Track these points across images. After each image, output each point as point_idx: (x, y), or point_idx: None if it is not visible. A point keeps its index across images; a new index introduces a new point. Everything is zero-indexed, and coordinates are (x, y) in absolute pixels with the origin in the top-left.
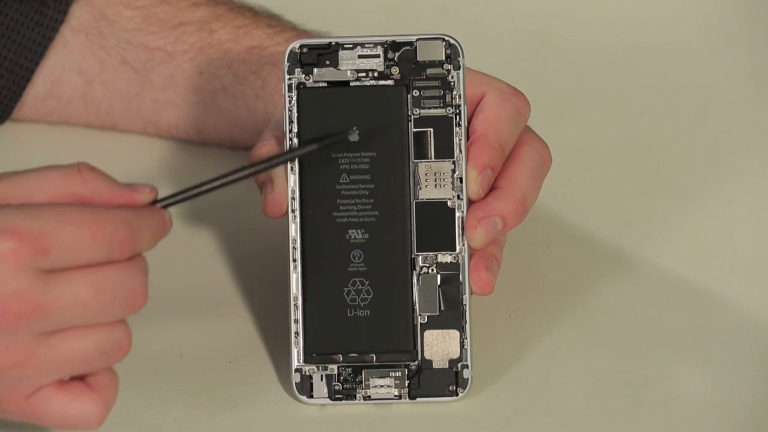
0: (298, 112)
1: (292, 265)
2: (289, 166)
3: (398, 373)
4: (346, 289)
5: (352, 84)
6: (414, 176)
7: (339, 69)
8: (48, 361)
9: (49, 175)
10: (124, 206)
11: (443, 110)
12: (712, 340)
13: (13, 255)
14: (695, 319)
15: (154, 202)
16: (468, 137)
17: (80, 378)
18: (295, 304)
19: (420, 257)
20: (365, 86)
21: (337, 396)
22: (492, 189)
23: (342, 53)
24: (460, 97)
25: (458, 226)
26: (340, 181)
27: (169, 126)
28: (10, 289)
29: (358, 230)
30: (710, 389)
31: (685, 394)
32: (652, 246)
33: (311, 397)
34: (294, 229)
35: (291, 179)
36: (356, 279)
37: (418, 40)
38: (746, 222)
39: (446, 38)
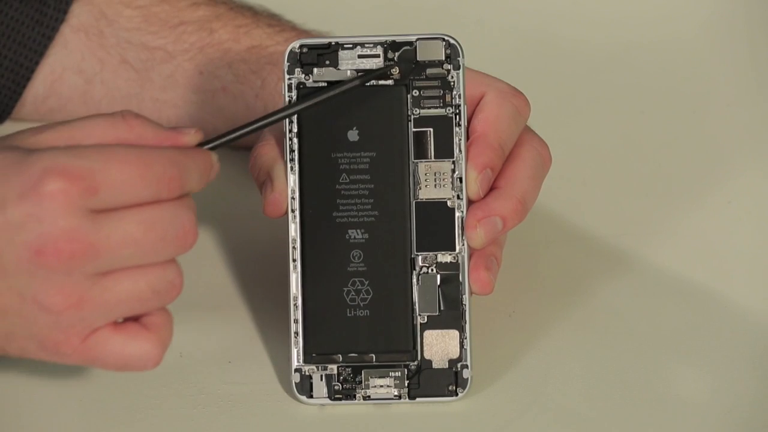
0: (298, 112)
1: (292, 265)
2: (289, 166)
3: (398, 373)
4: (345, 289)
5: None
6: (414, 176)
7: (339, 69)
8: (103, 302)
9: (95, 123)
10: (172, 147)
11: (443, 110)
12: (712, 340)
13: (63, 194)
14: (695, 319)
15: (201, 144)
16: (468, 137)
17: (134, 319)
18: (295, 304)
19: (420, 257)
20: (365, 86)
21: (336, 396)
22: (492, 189)
23: (342, 53)
24: (460, 97)
25: (458, 226)
26: (340, 181)
27: (168, 125)
28: (61, 229)
29: (358, 230)
30: (710, 389)
31: (685, 394)
32: (651, 246)
33: (311, 397)
34: (294, 229)
35: (291, 179)
36: (356, 279)
37: (418, 40)
38: (746, 222)
39: (446, 38)
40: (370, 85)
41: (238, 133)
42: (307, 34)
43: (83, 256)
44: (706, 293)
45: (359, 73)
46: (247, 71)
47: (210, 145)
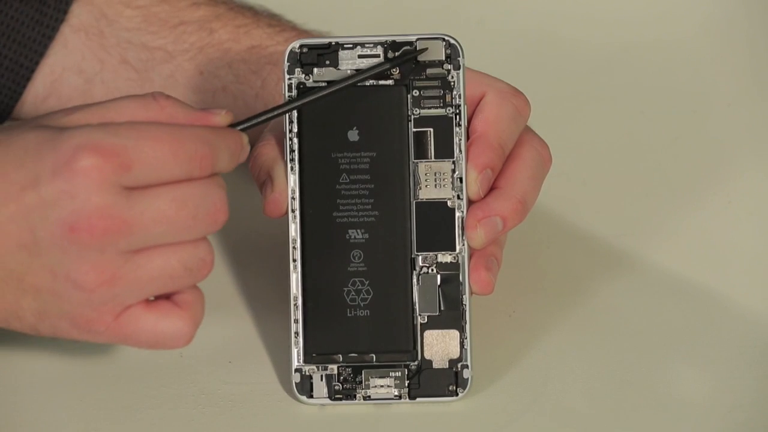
0: (298, 111)
1: (292, 265)
2: (289, 166)
3: (398, 373)
4: (346, 289)
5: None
6: (414, 176)
7: (339, 69)
8: (135, 279)
9: (127, 103)
10: (203, 126)
11: (443, 110)
12: (712, 340)
13: (96, 171)
14: (695, 319)
15: (233, 125)
16: (468, 137)
17: (166, 297)
18: (295, 304)
19: (420, 257)
20: (365, 86)
21: (336, 396)
22: (492, 189)
23: (342, 53)
24: (460, 97)
25: (458, 226)
26: (340, 181)
27: None
28: (95, 205)
29: (358, 230)
30: (710, 389)
31: (685, 394)
32: (651, 246)
33: (311, 397)
34: (294, 229)
35: (291, 179)
36: (356, 279)
37: (418, 40)
38: (746, 222)
39: (446, 38)
40: (370, 86)
41: (269, 115)
42: (307, 34)
43: (117, 233)
44: (706, 293)
45: (383, 62)
46: (247, 71)
47: (241, 126)
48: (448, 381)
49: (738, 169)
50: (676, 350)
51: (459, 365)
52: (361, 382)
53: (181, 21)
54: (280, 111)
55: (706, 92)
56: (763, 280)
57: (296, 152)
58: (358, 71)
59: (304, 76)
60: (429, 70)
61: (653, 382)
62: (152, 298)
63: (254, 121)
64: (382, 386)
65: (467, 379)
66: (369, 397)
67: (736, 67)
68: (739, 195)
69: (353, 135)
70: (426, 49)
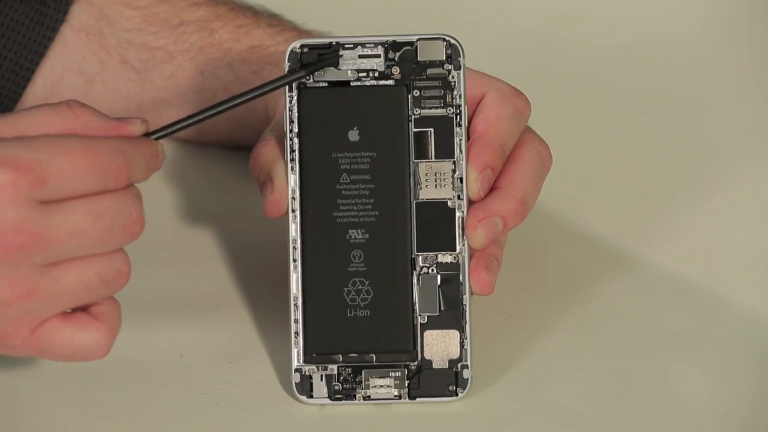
0: (298, 111)
1: (292, 265)
2: (289, 166)
3: (398, 373)
4: (346, 289)
5: (352, 84)
6: (414, 176)
7: (340, 69)
8: (51, 293)
9: (41, 113)
10: (118, 137)
11: (444, 110)
12: (712, 340)
13: (11, 186)
14: (695, 319)
15: (148, 134)
16: (468, 137)
17: (83, 309)
18: (295, 304)
19: (420, 257)
20: (366, 86)
21: (336, 396)
22: (492, 189)
23: (343, 53)
24: (460, 97)
25: (458, 226)
26: (340, 181)
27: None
28: (10, 221)
29: (359, 230)
30: (710, 389)
31: (685, 394)
32: (652, 246)
33: (311, 397)
34: (294, 229)
35: (291, 179)
36: (356, 279)
37: (418, 40)
38: (746, 222)
39: (447, 38)
40: (370, 85)
41: (182, 125)
42: (307, 34)
43: (32, 248)
44: (706, 293)
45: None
46: (247, 71)
47: (156, 135)
48: (448, 381)
49: (738, 169)
50: (676, 350)
51: (459, 365)
52: (361, 382)
53: (181, 21)
54: (193, 120)
55: (706, 92)
56: (763, 280)
57: (296, 152)
58: (284, 76)
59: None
60: (429, 70)
61: (653, 382)
62: (69, 311)
63: (169, 130)
64: (382, 386)
65: (467, 379)
66: (369, 397)
67: (736, 67)
68: (739, 195)
69: (353, 135)
70: (338, 54)
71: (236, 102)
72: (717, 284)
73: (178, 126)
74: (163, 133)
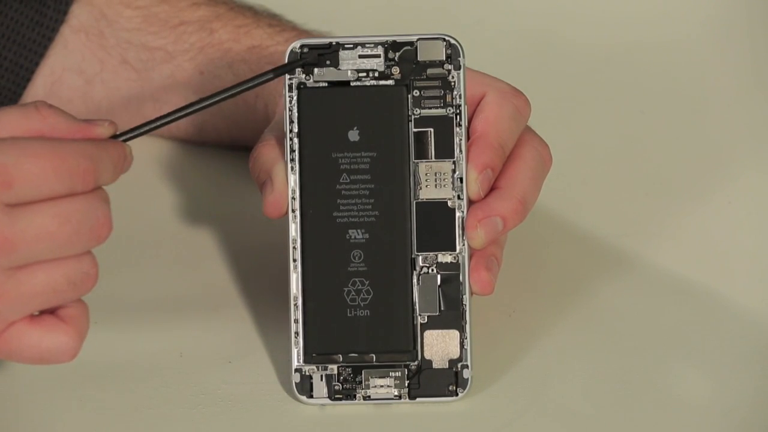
0: (298, 112)
1: (292, 265)
2: (289, 166)
3: (398, 373)
4: (346, 289)
5: (352, 84)
6: (414, 176)
7: (339, 69)
8: (18, 296)
9: (8, 114)
10: (85, 140)
11: (443, 110)
12: (712, 340)
13: None
14: (695, 319)
15: (115, 136)
16: (468, 137)
17: (51, 311)
18: (295, 304)
19: (420, 257)
20: (365, 86)
21: (337, 396)
22: (492, 189)
23: (342, 53)
24: (460, 97)
25: (458, 226)
26: (340, 181)
27: (169, 126)
28: None
29: (359, 230)
30: (710, 389)
31: (685, 394)
32: (652, 246)
33: (311, 397)
34: (294, 229)
35: (291, 179)
36: (356, 279)
37: (418, 40)
38: (746, 222)
39: (447, 38)
40: (370, 85)
41: (150, 127)
42: (307, 34)
43: None
44: (706, 293)
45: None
46: (247, 71)
47: (125, 137)
48: (448, 381)
49: (738, 169)
50: (676, 350)
51: (459, 365)
52: (361, 382)
53: (181, 21)
54: (159, 123)
55: (706, 92)
56: (763, 280)
57: (296, 152)
58: (249, 80)
59: (304, 76)
60: (429, 70)
61: (653, 382)
62: (37, 314)
63: (137, 132)
64: (382, 386)
65: (467, 379)
66: (369, 397)
67: (736, 67)
68: (739, 195)
69: (353, 135)
70: (304, 60)
71: (206, 104)
72: (717, 284)
73: (148, 128)
74: (132, 134)
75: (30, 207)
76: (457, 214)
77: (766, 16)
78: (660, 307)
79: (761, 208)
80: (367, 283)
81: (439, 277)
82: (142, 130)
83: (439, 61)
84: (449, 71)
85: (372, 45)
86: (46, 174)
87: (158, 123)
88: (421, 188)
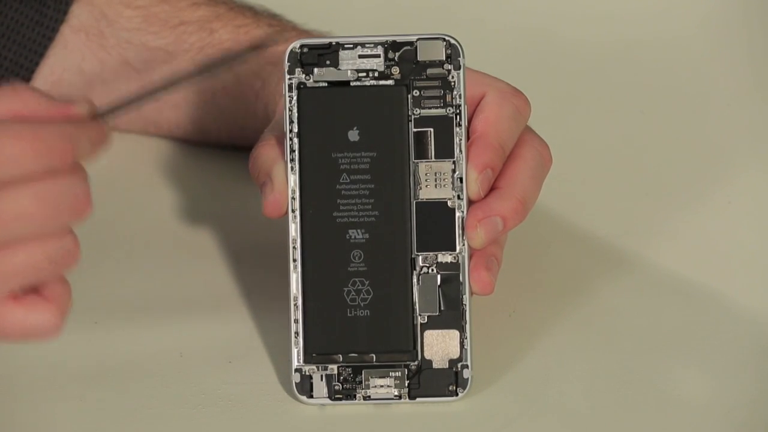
0: (298, 112)
1: (292, 265)
2: (289, 166)
3: (398, 373)
4: (346, 289)
5: (352, 84)
6: (414, 176)
7: (339, 69)
8: (0, 275)
9: None
10: (63, 120)
11: (443, 110)
12: (712, 340)
13: None
14: (695, 319)
15: (95, 116)
16: (468, 137)
17: (33, 290)
18: (295, 304)
19: (420, 257)
20: (365, 86)
21: (337, 396)
22: (492, 189)
23: (342, 53)
24: (460, 97)
25: (458, 226)
26: (341, 181)
27: (169, 126)
28: None
29: (358, 230)
30: (710, 389)
31: (685, 394)
32: (652, 246)
33: (311, 397)
34: (294, 229)
35: (291, 179)
36: (356, 279)
37: (418, 40)
38: (746, 222)
39: (446, 38)
40: (370, 85)
41: (126, 104)
42: (307, 34)
43: None
44: (706, 293)
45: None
46: (247, 71)
47: (102, 115)
48: (448, 381)
49: (738, 169)
50: (677, 350)
51: (459, 365)
52: (361, 382)
53: (181, 21)
54: (133, 100)
55: (706, 92)
56: (763, 280)
57: (296, 152)
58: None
59: (304, 76)
60: (429, 70)
61: (653, 382)
62: (19, 292)
63: (115, 108)
64: (382, 386)
65: (467, 379)
66: (369, 397)
67: (736, 66)
68: (739, 195)
69: (353, 135)
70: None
71: (177, 81)
72: (717, 284)
73: (124, 104)
74: (109, 111)
75: (9, 187)
76: (457, 214)
77: (766, 15)
78: (660, 307)
79: (761, 208)
80: (367, 283)
81: (439, 277)
82: (118, 107)
83: (439, 61)
84: (449, 71)
85: (372, 45)
86: (25, 154)
87: (138, 100)
88: (421, 188)
